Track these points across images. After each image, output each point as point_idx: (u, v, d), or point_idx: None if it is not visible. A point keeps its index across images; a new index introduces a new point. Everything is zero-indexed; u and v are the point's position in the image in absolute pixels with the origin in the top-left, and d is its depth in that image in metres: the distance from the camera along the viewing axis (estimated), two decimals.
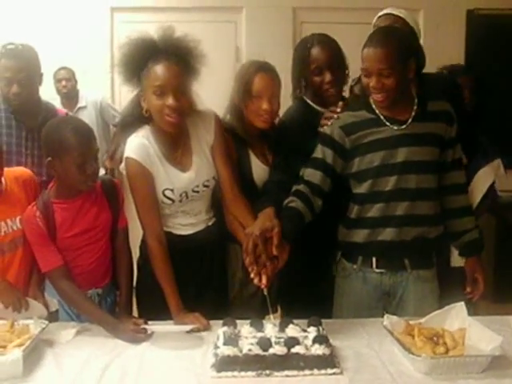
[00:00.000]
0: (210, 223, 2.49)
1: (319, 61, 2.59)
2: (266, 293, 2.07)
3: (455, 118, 2.38)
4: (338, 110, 2.42)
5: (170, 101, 2.22)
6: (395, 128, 2.30)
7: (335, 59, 2.60)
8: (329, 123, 2.39)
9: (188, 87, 2.32)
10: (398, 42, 2.23)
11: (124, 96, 3.16)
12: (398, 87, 2.23)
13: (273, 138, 2.54)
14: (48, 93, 3.01)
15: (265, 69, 2.46)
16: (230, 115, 2.53)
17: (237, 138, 2.50)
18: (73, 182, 2.23)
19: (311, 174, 2.33)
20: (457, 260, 2.56)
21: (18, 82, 2.74)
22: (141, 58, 2.27)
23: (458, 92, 2.75)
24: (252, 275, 2.05)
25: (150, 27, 2.32)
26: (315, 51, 2.59)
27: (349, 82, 2.74)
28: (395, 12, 2.66)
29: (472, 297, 2.40)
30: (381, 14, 2.71)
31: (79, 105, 5.29)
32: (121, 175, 2.45)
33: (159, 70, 2.24)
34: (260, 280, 2.05)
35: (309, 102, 2.67)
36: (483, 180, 2.74)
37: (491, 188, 2.90)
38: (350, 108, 2.41)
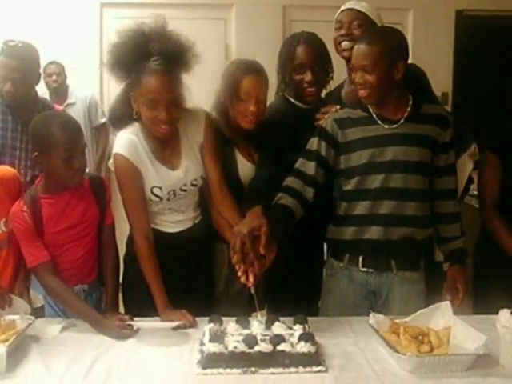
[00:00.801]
0: (196, 221, 2.49)
1: (302, 59, 2.61)
2: (252, 291, 2.07)
3: (451, 123, 2.37)
4: (338, 107, 2.44)
5: (163, 114, 2.21)
6: (386, 127, 2.31)
7: (318, 60, 2.62)
8: (326, 117, 2.41)
9: (181, 96, 2.30)
10: (385, 41, 2.25)
11: (113, 91, 3.13)
12: (381, 85, 2.24)
13: (257, 136, 2.54)
14: (38, 88, 2.99)
15: (253, 71, 2.44)
16: (216, 113, 2.52)
17: (222, 136, 2.49)
18: (60, 177, 2.22)
19: (305, 165, 2.35)
20: (440, 255, 2.55)
21: (12, 80, 2.75)
22: (132, 55, 2.24)
23: (424, 81, 2.74)
24: (239, 273, 2.06)
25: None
26: (300, 49, 2.62)
27: (330, 83, 2.75)
28: (357, 7, 2.64)
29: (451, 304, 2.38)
30: (343, 8, 2.68)
31: (68, 101, 5.24)
32: (109, 171, 2.44)
33: (151, 81, 2.21)
34: (247, 278, 2.05)
35: (289, 98, 2.68)
36: (463, 170, 2.72)
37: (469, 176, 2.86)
38: (349, 105, 2.43)
